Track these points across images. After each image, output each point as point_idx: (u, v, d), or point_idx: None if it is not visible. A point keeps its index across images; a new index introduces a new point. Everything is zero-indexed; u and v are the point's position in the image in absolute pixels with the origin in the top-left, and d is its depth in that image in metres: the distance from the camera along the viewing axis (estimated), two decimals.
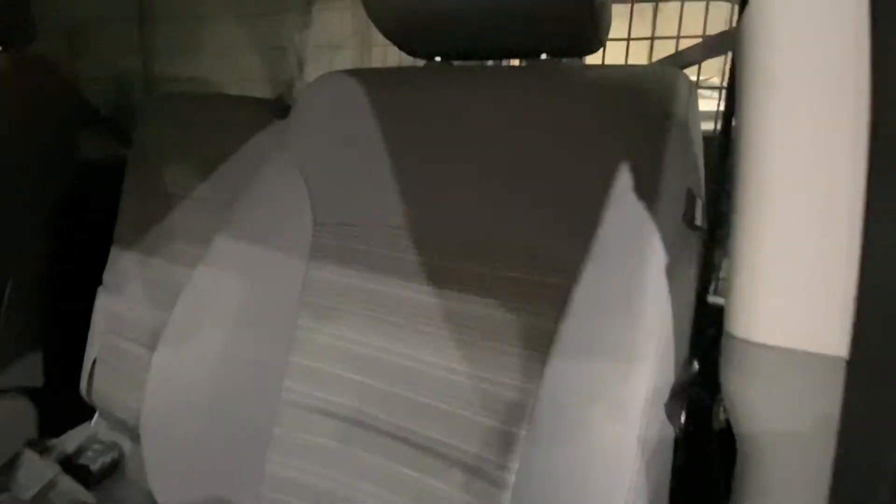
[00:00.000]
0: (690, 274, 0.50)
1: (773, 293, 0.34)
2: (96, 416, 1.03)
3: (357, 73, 0.64)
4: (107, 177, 1.09)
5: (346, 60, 1.17)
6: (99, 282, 0.98)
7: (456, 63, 0.64)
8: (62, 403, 1.01)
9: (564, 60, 0.58)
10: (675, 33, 0.95)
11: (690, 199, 0.48)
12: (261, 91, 1.26)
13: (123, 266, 0.94)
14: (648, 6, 0.96)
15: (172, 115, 0.93)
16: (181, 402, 0.61)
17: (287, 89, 1.22)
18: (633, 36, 0.96)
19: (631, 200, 0.47)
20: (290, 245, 0.62)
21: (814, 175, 0.33)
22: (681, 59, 0.93)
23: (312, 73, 1.18)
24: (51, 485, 0.85)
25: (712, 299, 0.66)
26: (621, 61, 0.97)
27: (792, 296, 0.34)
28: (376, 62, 1.16)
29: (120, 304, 0.94)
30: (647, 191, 0.47)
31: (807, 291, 0.33)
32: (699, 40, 0.92)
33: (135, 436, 0.96)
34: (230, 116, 0.87)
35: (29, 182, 0.96)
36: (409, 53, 0.65)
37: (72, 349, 1.00)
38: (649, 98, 0.49)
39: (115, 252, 0.96)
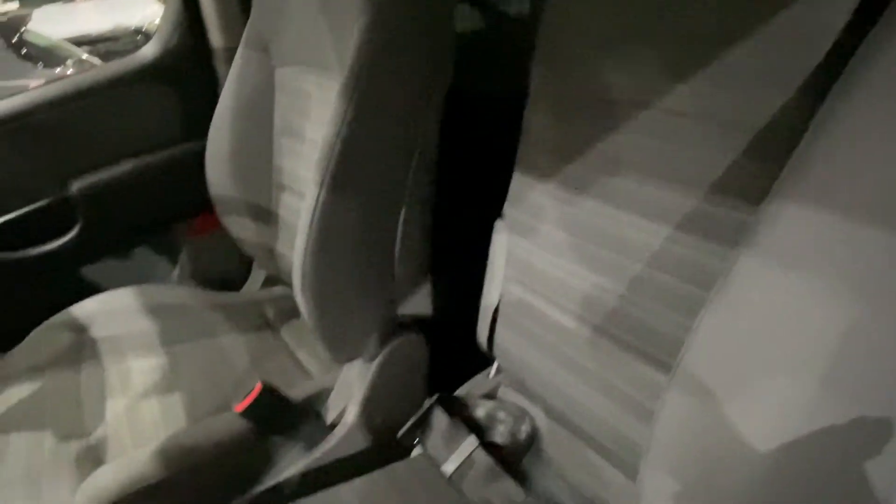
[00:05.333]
0: None
1: None
2: (494, 368, 0.90)
3: None
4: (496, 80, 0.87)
5: None
6: (492, 209, 0.79)
7: None
8: (454, 346, 0.90)
9: None
10: None
11: None
12: None
13: (531, 201, 0.72)
14: None
15: None
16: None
17: None
18: None
19: None
20: None
21: None
22: None
23: None
24: (469, 462, 0.74)
25: None
26: None
27: None
28: None
29: (526, 248, 0.73)
30: None
31: None
32: None
33: (548, 407, 0.79)
34: None
35: (417, 83, 0.77)
36: None
37: (465, 286, 0.86)
38: None
39: (518, 180, 0.74)
